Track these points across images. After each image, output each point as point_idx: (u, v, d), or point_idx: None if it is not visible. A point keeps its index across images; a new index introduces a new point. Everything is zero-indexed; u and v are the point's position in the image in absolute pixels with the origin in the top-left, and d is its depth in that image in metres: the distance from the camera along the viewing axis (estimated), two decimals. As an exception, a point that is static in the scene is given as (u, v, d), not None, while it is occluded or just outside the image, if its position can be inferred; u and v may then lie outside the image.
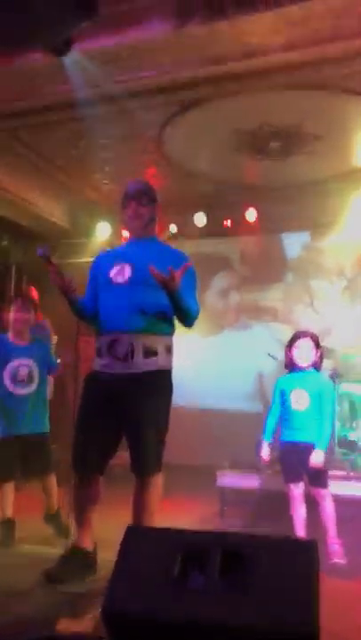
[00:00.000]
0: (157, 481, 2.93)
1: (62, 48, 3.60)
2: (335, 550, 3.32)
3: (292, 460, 3.51)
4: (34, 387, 3.98)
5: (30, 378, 3.96)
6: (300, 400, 3.50)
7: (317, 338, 3.62)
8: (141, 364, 2.85)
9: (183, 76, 4.64)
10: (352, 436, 4.72)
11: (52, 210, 7.30)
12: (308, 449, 3.45)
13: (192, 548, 1.94)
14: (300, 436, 3.48)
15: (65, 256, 7.41)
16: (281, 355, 3.95)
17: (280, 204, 7.02)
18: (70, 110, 5.39)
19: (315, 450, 3.40)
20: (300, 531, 3.46)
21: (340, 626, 2.34)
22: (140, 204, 3.04)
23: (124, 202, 3.08)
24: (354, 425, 4.76)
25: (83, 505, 2.95)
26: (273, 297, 7.46)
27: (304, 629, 1.72)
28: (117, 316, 2.90)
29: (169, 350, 2.98)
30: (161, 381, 2.94)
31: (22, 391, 3.93)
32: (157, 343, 2.91)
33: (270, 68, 4.48)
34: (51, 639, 2.09)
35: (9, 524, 3.80)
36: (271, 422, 3.66)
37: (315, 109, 5.34)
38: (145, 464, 2.89)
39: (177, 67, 4.45)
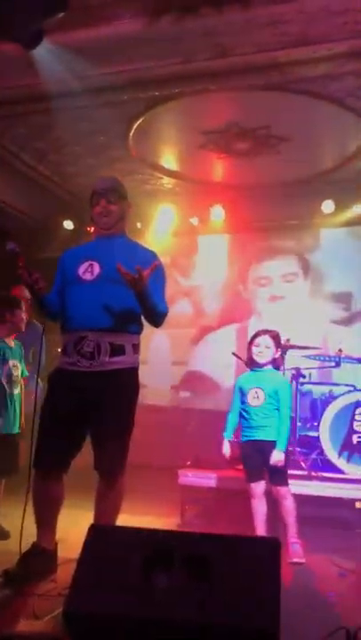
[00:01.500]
0: (122, 480, 2.92)
1: (32, 41, 3.54)
2: (295, 550, 3.36)
3: (253, 459, 3.54)
4: (19, 387, 4.08)
5: (18, 377, 4.06)
6: (256, 398, 3.53)
7: (278, 335, 3.64)
8: (108, 362, 2.84)
9: (152, 72, 4.62)
10: (312, 436, 4.78)
11: (18, 205, 7.18)
12: (267, 446, 3.48)
13: (155, 548, 1.95)
14: (259, 435, 3.50)
15: (32, 252, 7.33)
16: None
17: (248, 204, 7.07)
18: (37, 103, 5.33)
19: (275, 450, 3.43)
20: (261, 529, 3.49)
21: (297, 622, 2.38)
22: (109, 201, 3.02)
23: (92, 199, 3.06)
24: (315, 424, 4.82)
25: (44, 503, 2.92)
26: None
27: (265, 627, 1.74)
28: (84, 314, 2.88)
29: (136, 349, 2.98)
30: (127, 380, 2.93)
31: (16, 391, 4.01)
32: (124, 341, 2.91)
33: (238, 68, 4.51)
34: (9, 639, 2.06)
35: None
36: (232, 419, 3.69)
37: (283, 111, 5.39)
38: (109, 463, 2.88)
39: (145, 63, 4.43)
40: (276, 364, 3.69)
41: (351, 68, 4.53)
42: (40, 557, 2.85)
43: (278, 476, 3.49)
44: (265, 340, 3.59)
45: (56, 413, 2.91)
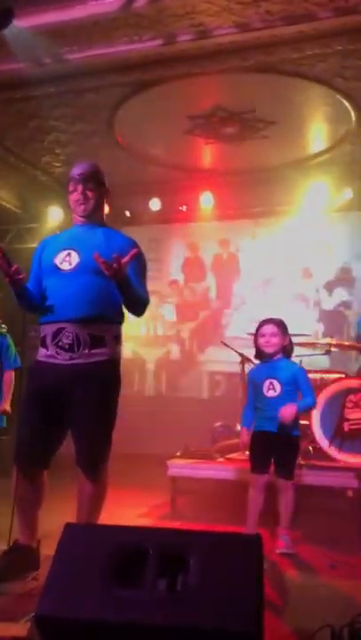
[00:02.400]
0: (104, 476, 2.83)
1: (1, 20, 3.42)
2: (284, 541, 3.29)
3: (262, 449, 3.43)
4: None
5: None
6: (272, 388, 3.43)
7: (283, 323, 3.54)
8: (88, 354, 2.73)
9: (133, 55, 4.52)
10: (303, 424, 4.70)
11: (3, 194, 7.06)
12: (280, 438, 3.38)
13: (130, 547, 1.87)
14: (273, 426, 3.38)
15: (15, 241, 7.22)
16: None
17: (235, 190, 6.97)
18: (17, 89, 5.21)
19: (289, 404, 3.33)
20: (253, 521, 3.40)
21: (284, 617, 2.32)
22: (87, 187, 2.89)
23: (69, 184, 2.93)
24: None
25: (25, 500, 2.84)
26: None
27: (245, 630, 1.66)
28: (63, 305, 2.76)
29: (117, 340, 2.87)
30: (109, 372, 2.82)
31: None
32: (105, 332, 2.80)
33: (222, 50, 4.40)
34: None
35: None
36: (248, 414, 3.56)
37: (269, 94, 5.28)
38: (91, 459, 2.79)
39: (125, 46, 4.32)
40: (287, 352, 3.57)
41: (337, 48, 4.42)
42: (21, 555, 2.77)
43: (286, 469, 3.40)
44: (271, 329, 3.49)
45: (35, 408, 2.81)
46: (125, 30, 4.14)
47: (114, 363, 2.85)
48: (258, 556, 1.86)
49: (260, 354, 3.54)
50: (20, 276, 2.72)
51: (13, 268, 2.68)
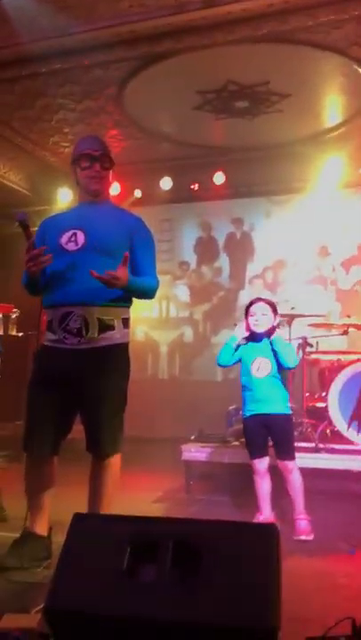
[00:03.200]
0: (116, 462, 2.75)
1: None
2: (302, 527, 3.20)
3: (257, 434, 3.37)
4: None
5: None
6: (261, 368, 3.34)
7: (273, 304, 3.44)
8: (97, 338, 2.64)
9: (140, 27, 4.35)
10: (320, 407, 4.60)
11: (9, 175, 6.95)
12: (272, 420, 3.32)
13: (143, 538, 1.78)
14: (264, 408, 3.33)
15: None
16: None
17: (249, 167, 6.80)
18: (23, 67, 5.09)
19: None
20: (265, 508, 3.33)
21: (303, 608, 2.23)
22: (104, 167, 2.81)
23: (82, 160, 2.80)
24: (323, 395, 4.64)
25: (36, 488, 2.77)
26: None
27: (263, 624, 1.57)
28: (70, 287, 2.66)
29: (126, 323, 2.78)
30: (118, 357, 2.74)
31: None
32: (113, 316, 2.71)
33: (233, 19, 4.23)
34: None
35: None
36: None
37: (282, 66, 5.09)
38: (103, 445, 2.71)
39: (132, 17, 4.16)
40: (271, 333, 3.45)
41: (353, 14, 4.23)
42: (32, 543, 2.71)
43: (285, 450, 3.32)
44: (261, 308, 3.38)
45: (43, 394, 2.73)
46: (131, 1, 3.98)
47: (123, 346, 2.76)
48: (274, 546, 1.77)
49: (251, 333, 3.43)
50: (45, 261, 2.61)
51: (40, 253, 2.58)
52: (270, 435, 3.37)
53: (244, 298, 6.89)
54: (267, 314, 3.37)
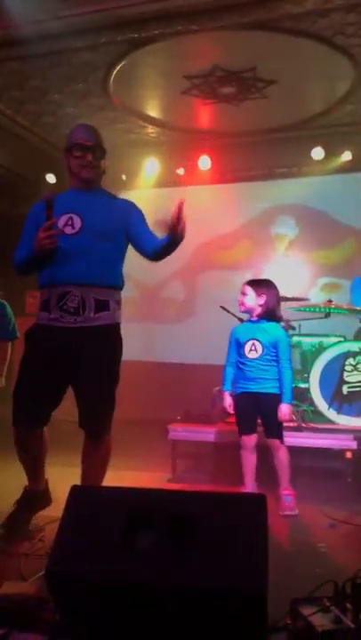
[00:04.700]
0: (108, 437, 2.87)
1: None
2: (287, 502, 3.35)
3: (247, 411, 3.49)
4: None
5: None
6: (253, 349, 3.47)
7: (260, 285, 3.57)
8: (92, 317, 2.76)
9: (130, 11, 4.38)
10: (303, 388, 4.74)
11: (-3, 158, 6.93)
12: (262, 399, 3.44)
13: (138, 508, 1.88)
14: (255, 387, 3.45)
15: (12, 208, 7.12)
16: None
17: (235, 151, 6.87)
18: (11, 49, 5.07)
19: (282, 404, 3.41)
20: (249, 480, 3.47)
21: (287, 575, 2.36)
22: (96, 156, 2.89)
23: (74, 150, 2.87)
24: (305, 376, 4.77)
25: (28, 457, 2.88)
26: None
27: (251, 588, 1.69)
28: (68, 269, 2.75)
29: (119, 304, 2.90)
30: (112, 336, 2.86)
31: None
32: (108, 297, 2.82)
33: (221, 5, 4.28)
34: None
35: None
36: (230, 372, 3.60)
37: (269, 52, 5.15)
38: (96, 422, 2.81)
39: (121, 1, 4.18)
40: (271, 313, 3.58)
41: (338, 3, 4.30)
42: (32, 497, 2.93)
43: (274, 429, 3.45)
44: (245, 289, 3.57)
45: (36, 369, 2.80)
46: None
47: (116, 326, 2.88)
48: (263, 515, 1.89)
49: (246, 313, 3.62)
50: (55, 243, 2.70)
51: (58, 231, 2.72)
52: (259, 413, 3.48)
53: (235, 279, 7.00)
54: (248, 294, 3.52)
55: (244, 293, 3.56)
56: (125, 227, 2.87)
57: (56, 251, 2.75)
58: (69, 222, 2.80)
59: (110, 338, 2.85)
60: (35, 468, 2.91)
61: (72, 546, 1.87)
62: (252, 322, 3.56)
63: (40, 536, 2.80)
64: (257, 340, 3.48)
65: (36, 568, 2.32)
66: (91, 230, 2.78)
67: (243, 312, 3.63)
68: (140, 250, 2.89)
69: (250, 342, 3.50)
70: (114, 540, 1.84)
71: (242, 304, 3.58)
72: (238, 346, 3.56)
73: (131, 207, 2.94)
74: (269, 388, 3.46)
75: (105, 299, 2.80)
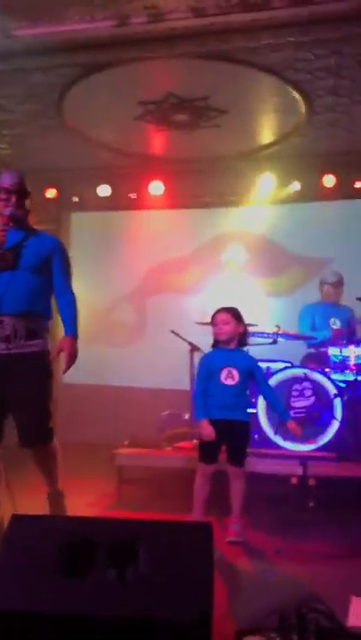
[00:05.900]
0: (52, 436, 3.11)
1: None
2: (234, 530, 3.32)
3: (214, 440, 3.39)
4: None
5: None
6: (230, 376, 3.43)
7: (237, 312, 3.55)
8: (24, 345, 3.03)
9: (84, 35, 4.40)
10: (250, 412, 4.74)
11: None
12: (235, 426, 3.41)
13: (79, 538, 1.83)
14: (229, 414, 3.40)
15: None
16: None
17: (187, 178, 6.95)
18: None
19: (289, 421, 3.56)
20: (199, 509, 3.40)
21: (233, 605, 2.33)
22: (20, 197, 3.12)
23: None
24: (253, 401, 4.78)
25: None
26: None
27: (195, 618, 1.65)
28: (2, 300, 3.01)
29: (48, 332, 3.21)
30: (42, 361, 3.10)
31: None
32: (39, 326, 3.12)
33: (176, 35, 4.34)
34: None
35: None
36: (202, 401, 3.49)
37: (222, 82, 5.26)
38: (36, 426, 3.01)
39: (77, 25, 4.21)
40: (241, 341, 3.58)
41: (290, 39, 4.44)
42: None
43: (238, 456, 3.43)
44: (222, 317, 3.52)
45: None
46: (78, 8, 4.04)
47: (46, 353, 3.14)
48: (209, 544, 1.86)
49: (215, 342, 3.57)
50: None
51: None
52: (227, 440, 3.42)
53: (185, 303, 7.02)
54: (229, 322, 3.50)
55: (225, 322, 3.50)
56: (50, 264, 3.18)
57: None
58: (2, 257, 3.05)
59: (42, 364, 3.14)
60: None
61: (9, 580, 1.79)
62: (228, 349, 3.53)
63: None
64: (233, 368, 3.46)
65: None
66: (22, 264, 3.06)
67: (223, 341, 3.52)
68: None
69: (225, 370, 3.45)
70: (54, 571, 1.78)
71: (223, 333, 3.49)
72: (211, 373, 3.51)
73: (57, 248, 3.24)
74: (241, 415, 3.45)
75: (35, 327, 3.10)
